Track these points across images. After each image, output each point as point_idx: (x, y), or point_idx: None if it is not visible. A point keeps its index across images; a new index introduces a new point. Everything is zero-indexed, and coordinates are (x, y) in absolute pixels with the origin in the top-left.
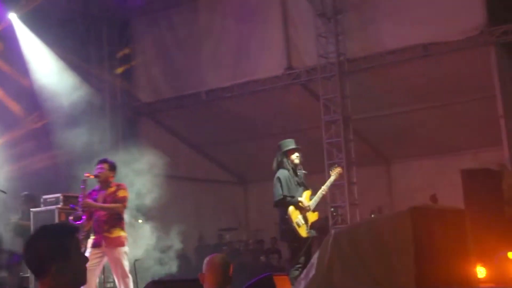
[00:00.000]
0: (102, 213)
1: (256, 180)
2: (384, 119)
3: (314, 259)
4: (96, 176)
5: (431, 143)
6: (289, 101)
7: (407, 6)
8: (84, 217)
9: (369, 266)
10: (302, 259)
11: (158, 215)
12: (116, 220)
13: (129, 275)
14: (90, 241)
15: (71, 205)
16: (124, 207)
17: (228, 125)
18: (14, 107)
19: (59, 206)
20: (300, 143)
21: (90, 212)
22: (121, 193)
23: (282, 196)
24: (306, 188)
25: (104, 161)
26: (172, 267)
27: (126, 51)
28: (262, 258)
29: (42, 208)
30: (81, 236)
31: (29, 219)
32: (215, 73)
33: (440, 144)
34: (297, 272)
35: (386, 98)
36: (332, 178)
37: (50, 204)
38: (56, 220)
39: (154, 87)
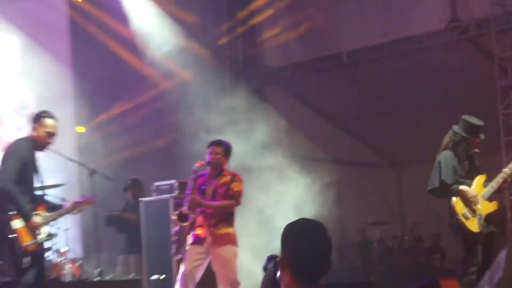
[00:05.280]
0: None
1: (412, 162)
2: None
3: (501, 259)
4: (208, 164)
5: None
6: (453, 62)
7: None
8: (190, 218)
9: None
10: (477, 260)
11: (291, 206)
12: (226, 215)
13: (240, 282)
14: (189, 237)
15: (175, 200)
16: (238, 204)
17: (376, 94)
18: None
19: (173, 194)
20: (469, 114)
21: None
22: (236, 186)
23: (438, 184)
24: (479, 172)
25: (218, 143)
26: None
27: (250, 10)
28: (422, 258)
29: (154, 198)
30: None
31: (136, 211)
32: (360, 29)
33: None
34: (471, 277)
35: None
36: None
37: (164, 193)
38: (171, 212)
39: (284, 49)
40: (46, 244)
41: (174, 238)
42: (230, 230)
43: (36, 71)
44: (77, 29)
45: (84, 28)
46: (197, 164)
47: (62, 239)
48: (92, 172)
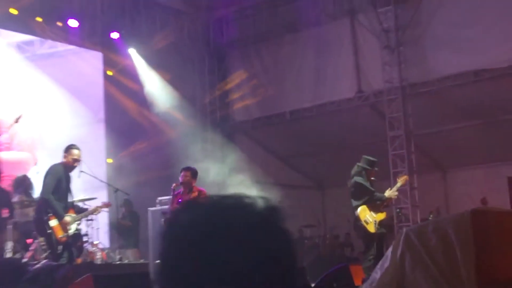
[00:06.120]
0: None
1: (333, 185)
2: (440, 134)
3: (389, 252)
4: (181, 184)
5: (482, 154)
6: (359, 119)
7: (462, 37)
8: None
9: (435, 259)
10: (373, 251)
11: None
12: None
13: None
14: None
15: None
16: None
17: (308, 140)
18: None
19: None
20: (369, 154)
21: None
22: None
23: (370, 193)
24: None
25: (187, 169)
26: None
27: (224, 83)
28: (338, 250)
29: (158, 208)
30: None
31: (129, 220)
32: (297, 96)
33: (489, 155)
34: (369, 263)
35: (442, 116)
36: (398, 184)
37: (164, 204)
38: None
39: (247, 109)
40: (84, 238)
41: None
42: None
43: (78, 120)
44: (109, 91)
45: (114, 90)
46: (174, 185)
47: (95, 235)
48: (116, 190)
